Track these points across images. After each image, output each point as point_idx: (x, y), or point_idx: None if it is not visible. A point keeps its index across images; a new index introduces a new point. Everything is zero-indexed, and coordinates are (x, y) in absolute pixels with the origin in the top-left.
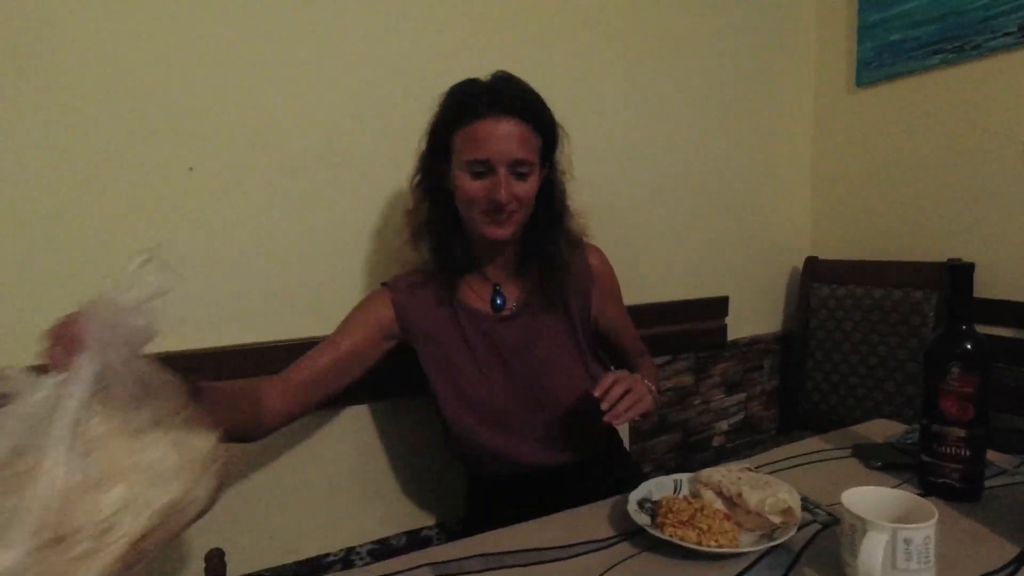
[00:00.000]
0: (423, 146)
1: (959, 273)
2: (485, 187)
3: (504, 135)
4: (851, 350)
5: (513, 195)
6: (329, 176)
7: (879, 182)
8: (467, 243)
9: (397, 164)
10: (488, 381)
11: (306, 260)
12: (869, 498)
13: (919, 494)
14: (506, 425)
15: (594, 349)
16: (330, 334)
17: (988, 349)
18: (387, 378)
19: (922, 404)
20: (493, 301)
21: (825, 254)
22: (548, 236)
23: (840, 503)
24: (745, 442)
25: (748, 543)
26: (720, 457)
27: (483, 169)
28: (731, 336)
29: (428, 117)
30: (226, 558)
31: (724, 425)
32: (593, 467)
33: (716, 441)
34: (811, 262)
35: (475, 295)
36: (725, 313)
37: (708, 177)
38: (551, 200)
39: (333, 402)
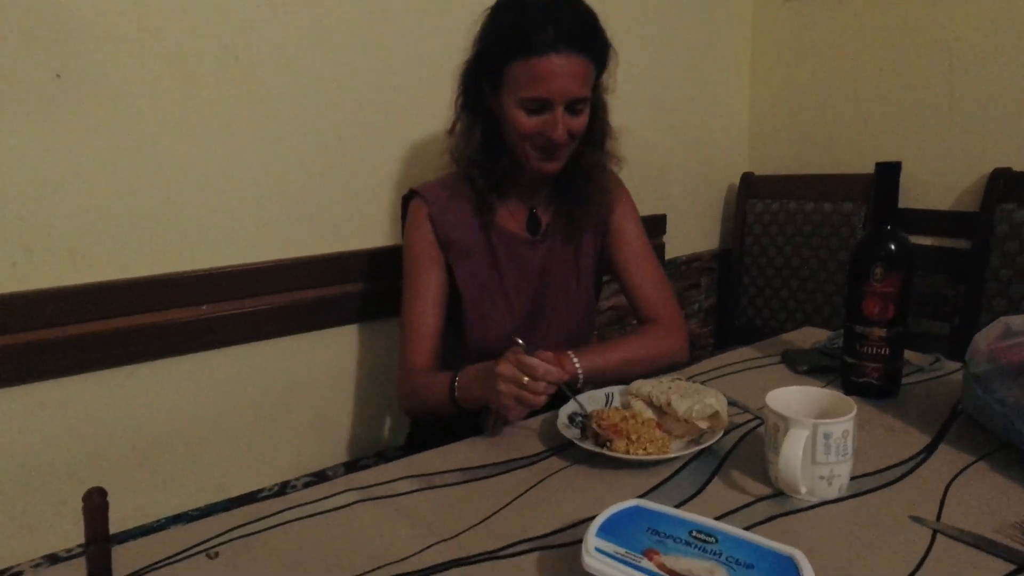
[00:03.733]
0: (468, 65)
1: (885, 171)
2: (540, 123)
3: (567, 74)
4: (783, 264)
5: (568, 132)
6: (231, 86)
7: (813, 95)
8: (510, 167)
9: (305, 68)
10: (511, 308)
11: (208, 180)
12: (793, 397)
13: None
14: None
15: (599, 286)
16: (408, 279)
17: (911, 249)
18: (314, 308)
19: (845, 307)
20: (529, 224)
21: (762, 170)
22: (593, 159)
23: (765, 404)
24: None
25: (677, 449)
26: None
27: (539, 106)
28: (669, 255)
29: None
30: (108, 497)
31: None
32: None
33: None
34: (747, 178)
35: (511, 216)
36: (663, 231)
37: (646, 95)
38: (595, 121)
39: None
